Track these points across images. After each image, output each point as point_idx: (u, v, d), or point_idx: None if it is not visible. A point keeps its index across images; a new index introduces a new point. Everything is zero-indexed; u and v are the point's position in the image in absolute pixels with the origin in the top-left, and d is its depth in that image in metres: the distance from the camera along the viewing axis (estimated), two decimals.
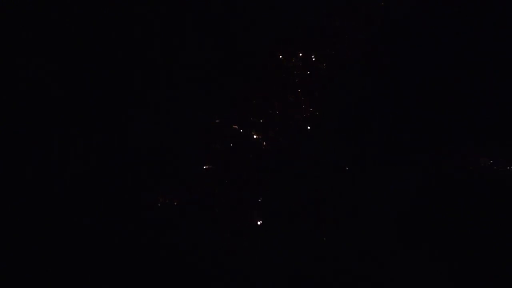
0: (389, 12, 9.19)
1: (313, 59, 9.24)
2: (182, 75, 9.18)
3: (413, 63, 9.18)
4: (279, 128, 9.09)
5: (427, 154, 8.96)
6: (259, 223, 8.83)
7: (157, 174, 8.94)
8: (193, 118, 9.02)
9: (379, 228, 8.70)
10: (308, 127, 9.09)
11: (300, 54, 9.23)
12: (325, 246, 8.69)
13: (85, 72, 8.99)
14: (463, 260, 8.48)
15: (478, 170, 8.83)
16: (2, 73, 8.79)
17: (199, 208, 8.86)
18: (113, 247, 8.62)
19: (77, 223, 8.58)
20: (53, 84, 8.89)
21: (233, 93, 9.17)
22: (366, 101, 9.12)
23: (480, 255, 8.48)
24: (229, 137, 9.06)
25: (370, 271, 8.55)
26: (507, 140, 8.85)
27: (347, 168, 8.84)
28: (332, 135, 9.02)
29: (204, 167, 8.95)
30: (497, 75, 8.99)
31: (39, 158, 8.70)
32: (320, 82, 9.20)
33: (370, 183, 8.88)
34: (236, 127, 9.09)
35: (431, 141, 9.01)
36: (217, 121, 9.07)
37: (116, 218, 8.69)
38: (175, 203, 8.94)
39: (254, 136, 9.08)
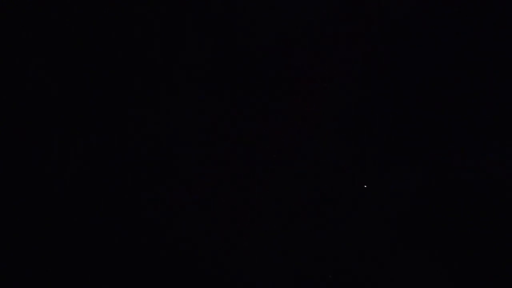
0: (389, 12, 9.20)
1: (313, 59, 9.24)
2: (182, 75, 9.19)
3: (413, 63, 9.20)
4: (279, 127, 9.10)
5: (427, 154, 8.98)
6: (259, 223, 8.83)
7: (157, 174, 8.97)
8: (193, 118, 9.04)
9: (379, 228, 8.71)
10: (308, 127, 9.09)
11: (300, 54, 9.23)
12: (325, 246, 8.70)
13: (85, 72, 9.00)
14: (463, 260, 8.50)
15: (478, 170, 8.85)
16: (2, 73, 8.81)
17: (199, 208, 8.87)
18: (113, 247, 8.65)
19: (77, 223, 8.61)
20: (53, 84, 8.91)
21: (233, 93, 9.19)
22: (366, 101, 9.13)
23: (480, 255, 8.50)
24: (229, 137, 9.06)
25: (370, 271, 8.57)
26: (507, 140, 8.86)
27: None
28: (332, 135, 9.03)
29: (204, 167, 8.96)
30: (497, 75, 9.01)
31: (39, 158, 8.72)
32: (320, 82, 9.20)
33: (370, 183, 8.89)
34: (236, 127, 9.10)
35: (431, 141, 9.03)
36: (217, 121, 9.08)
37: (116, 218, 8.72)
38: (175, 203, 8.96)
39: (254, 136, 9.09)
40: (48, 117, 8.83)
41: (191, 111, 9.07)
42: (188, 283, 8.59)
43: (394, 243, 8.67)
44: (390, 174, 8.89)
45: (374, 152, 9.09)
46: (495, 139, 8.92)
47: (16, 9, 8.82)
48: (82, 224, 8.63)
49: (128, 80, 9.10)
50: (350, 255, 8.65)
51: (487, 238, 8.52)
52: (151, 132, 8.98)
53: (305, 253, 8.70)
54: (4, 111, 8.70)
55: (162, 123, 9.01)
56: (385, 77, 9.20)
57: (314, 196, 8.95)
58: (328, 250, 8.71)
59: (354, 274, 8.58)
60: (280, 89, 9.31)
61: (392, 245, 8.66)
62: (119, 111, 9.00)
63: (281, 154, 9.09)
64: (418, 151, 9.01)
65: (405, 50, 9.21)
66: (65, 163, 8.76)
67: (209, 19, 9.29)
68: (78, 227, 8.60)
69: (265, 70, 9.35)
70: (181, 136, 9.04)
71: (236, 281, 8.57)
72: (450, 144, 9.04)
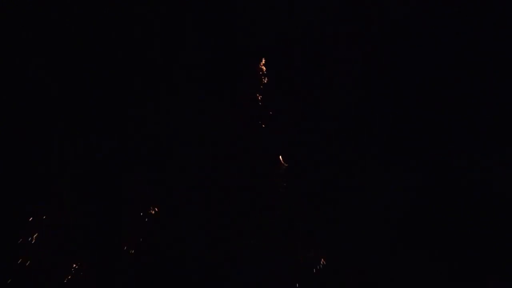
0: (389, 12, 9.18)
1: (314, 59, 9.23)
2: (182, 75, 9.18)
3: (413, 63, 9.17)
4: (279, 127, 9.09)
5: (427, 154, 8.96)
6: (259, 223, 8.82)
7: (156, 174, 8.95)
8: (193, 118, 9.02)
9: (379, 228, 8.70)
10: (309, 127, 9.09)
11: (301, 54, 9.22)
12: (325, 246, 8.69)
13: (85, 72, 8.98)
14: (463, 260, 8.49)
15: (478, 170, 8.83)
16: (2, 73, 8.78)
17: (198, 208, 8.86)
18: (113, 247, 8.62)
19: (76, 223, 8.59)
20: (53, 84, 8.89)
21: (233, 93, 9.17)
22: (366, 101, 9.11)
23: (480, 255, 8.48)
24: (229, 136, 9.05)
25: (370, 271, 8.56)
26: (507, 140, 8.85)
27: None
28: (332, 135, 9.02)
29: (204, 167, 8.93)
30: (497, 75, 8.99)
31: (39, 158, 8.70)
32: (320, 82, 9.19)
33: (370, 183, 8.87)
34: (236, 127, 9.08)
35: (431, 141, 9.01)
36: (218, 121, 9.06)
37: (115, 218, 8.70)
38: (175, 203, 8.95)
39: (255, 136, 9.08)
40: (48, 117, 8.81)
41: (191, 111, 9.06)
42: (188, 283, 8.59)
43: (394, 243, 8.66)
44: (390, 174, 8.89)
45: (374, 152, 9.08)
46: (495, 139, 8.91)
47: (16, 9, 8.79)
48: (81, 223, 8.61)
49: (128, 80, 9.09)
50: (350, 255, 8.65)
51: (486, 238, 8.51)
52: (151, 132, 8.97)
53: (305, 253, 8.70)
54: (4, 111, 8.67)
55: (162, 123, 9.00)
56: (385, 77, 9.18)
57: (314, 196, 8.95)
58: (328, 250, 8.70)
59: (354, 274, 8.58)
60: (280, 88, 9.30)
61: (392, 245, 8.65)
62: (119, 111, 8.99)
63: (281, 154, 9.08)
64: (418, 151, 8.99)
65: (405, 50, 9.20)
66: (65, 163, 8.75)
67: (209, 19, 9.28)
68: (78, 226, 8.58)
69: (265, 70, 9.34)
70: (181, 136, 9.03)
71: (236, 282, 8.57)
72: (450, 144, 9.03)
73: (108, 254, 8.61)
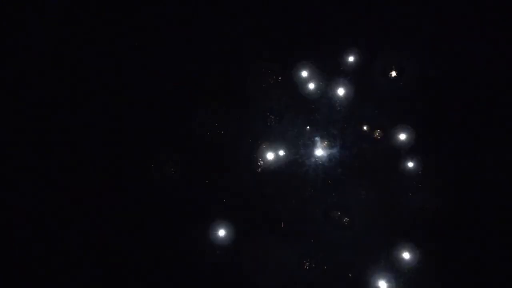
0: (390, 12, 9.18)
1: (314, 58, 9.21)
2: (183, 75, 9.19)
3: (415, 63, 9.14)
4: (280, 127, 9.08)
5: (428, 154, 8.94)
6: (260, 223, 8.83)
7: (157, 174, 8.96)
8: (193, 117, 9.03)
9: (380, 228, 8.70)
10: (308, 127, 9.09)
11: (301, 54, 9.20)
12: (325, 247, 8.70)
13: (85, 72, 8.99)
14: (463, 260, 8.49)
15: (479, 170, 8.83)
16: (2, 74, 8.79)
17: (199, 208, 8.87)
18: (113, 247, 8.64)
19: (76, 224, 8.61)
20: (53, 85, 8.90)
21: (234, 92, 9.17)
22: (367, 101, 9.10)
23: (480, 255, 8.48)
24: (229, 136, 9.05)
25: (370, 271, 8.57)
26: (507, 141, 8.83)
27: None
28: (332, 135, 9.02)
29: (204, 167, 8.94)
30: (497, 75, 8.97)
31: (39, 158, 8.71)
32: (320, 82, 9.18)
33: (370, 183, 8.87)
34: (237, 127, 9.07)
35: (432, 141, 9.00)
36: (218, 120, 9.05)
37: (115, 217, 8.71)
38: (176, 202, 8.96)
39: (255, 136, 9.08)
40: (48, 116, 8.83)
41: (191, 111, 9.05)
42: (187, 284, 8.60)
43: (395, 243, 8.66)
44: (391, 174, 8.87)
45: (374, 152, 9.07)
46: (496, 139, 8.88)
47: (16, 9, 8.79)
48: (81, 224, 8.62)
49: (128, 79, 9.10)
50: (350, 256, 8.65)
51: (487, 238, 8.50)
52: (151, 131, 8.99)
53: (305, 253, 8.70)
54: (4, 111, 8.68)
55: (162, 122, 8.99)
56: (386, 77, 9.16)
57: (314, 196, 8.95)
58: (328, 250, 8.70)
59: (354, 274, 8.58)
60: (280, 88, 9.28)
61: (393, 245, 8.65)
62: (120, 111, 9.00)
63: (281, 154, 9.06)
64: (418, 151, 8.97)
65: (406, 50, 9.17)
66: (65, 163, 8.77)
67: (210, 18, 9.27)
68: (77, 227, 8.59)
69: (266, 70, 9.28)
70: (182, 135, 9.03)
71: (236, 282, 8.58)
72: (451, 144, 9.01)
73: (107, 254, 8.63)
